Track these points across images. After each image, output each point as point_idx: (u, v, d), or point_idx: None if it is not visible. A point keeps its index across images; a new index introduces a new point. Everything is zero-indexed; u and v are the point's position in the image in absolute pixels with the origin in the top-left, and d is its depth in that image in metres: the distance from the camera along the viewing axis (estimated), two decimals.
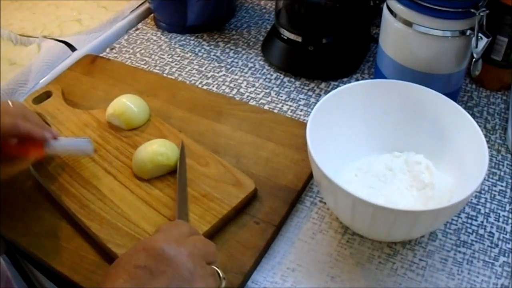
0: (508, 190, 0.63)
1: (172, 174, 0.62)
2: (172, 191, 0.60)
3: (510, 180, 0.64)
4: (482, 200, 0.62)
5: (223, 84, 0.80)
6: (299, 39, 0.79)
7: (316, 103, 0.59)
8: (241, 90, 0.78)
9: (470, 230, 0.59)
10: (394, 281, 0.54)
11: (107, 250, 0.55)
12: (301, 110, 0.75)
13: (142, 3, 0.97)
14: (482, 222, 0.60)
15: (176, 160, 0.62)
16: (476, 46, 0.62)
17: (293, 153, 0.66)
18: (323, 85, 0.79)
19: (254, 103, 0.76)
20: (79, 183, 0.61)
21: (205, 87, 0.79)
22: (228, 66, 0.83)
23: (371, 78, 0.79)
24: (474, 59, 0.64)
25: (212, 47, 0.88)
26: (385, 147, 0.62)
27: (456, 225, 0.59)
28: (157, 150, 0.61)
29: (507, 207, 0.61)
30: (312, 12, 0.80)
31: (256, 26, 0.92)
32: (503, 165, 0.66)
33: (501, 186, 0.63)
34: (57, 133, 0.62)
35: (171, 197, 0.59)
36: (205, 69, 0.83)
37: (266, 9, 0.97)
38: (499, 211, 0.61)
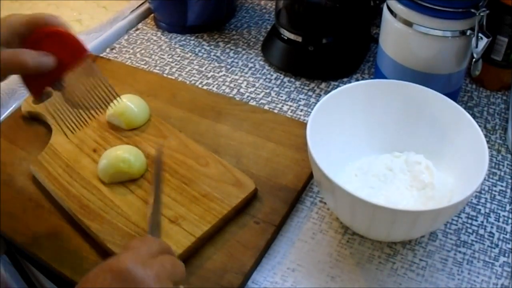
0: (508, 190, 0.63)
1: (173, 174, 0.62)
2: (172, 191, 0.60)
3: (510, 180, 0.64)
4: (482, 200, 0.62)
5: (223, 84, 0.80)
6: (299, 39, 0.79)
7: (316, 103, 0.59)
8: (241, 90, 0.78)
9: (470, 230, 0.59)
10: (394, 281, 0.54)
11: (107, 250, 0.55)
12: (301, 110, 0.75)
13: (142, 3, 0.97)
14: (482, 222, 0.60)
15: (139, 168, 0.61)
16: (476, 46, 0.62)
17: (293, 153, 0.66)
18: (323, 85, 0.79)
19: (254, 103, 0.76)
20: (79, 183, 0.61)
21: (205, 87, 0.79)
22: (228, 66, 0.83)
23: (371, 78, 0.79)
24: (474, 59, 0.64)
25: (212, 47, 0.88)
26: (385, 147, 0.62)
27: (456, 225, 0.59)
28: (120, 156, 0.61)
29: (507, 207, 0.61)
30: (312, 12, 0.80)
31: (256, 26, 0.92)
32: (503, 165, 0.66)
33: (501, 186, 0.63)
34: None
35: (172, 197, 0.59)
36: (205, 69, 0.83)
37: (266, 9, 0.97)
38: (499, 211, 0.61)
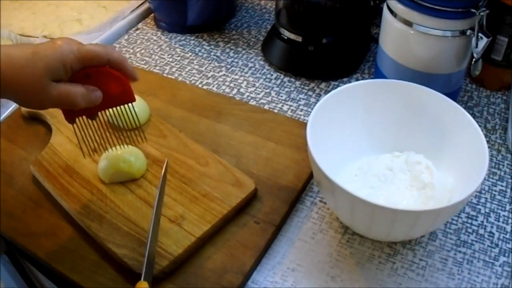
0: (508, 190, 0.63)
1: (173, 174, 0.62)
2: (172, 191, 0.60)
3: (510, 180, 0.64)
4: (482, 200, 0.62)
5: (223, 84, 0.80)
6: (299, 39, 0.79)
7: (316, 103, 0.59)
8: (241, 90, 0.78)
9: (470, 230, 0.59)
10: (394, 281, 0.54)
11: (107, 250, 0.55)
12: (301, 110, 0.75)
13: (142, 3, 0.97)
14: (482, 222, 0.60)
15: (139, 168, 0.61)
16: (476, 46, 0.62)
17: (293, 153, 0.66)
18: (323, 85, 0.79)
19: (254, 103, 0.76)
20: (79, 183, 0.61)
21: (205, 87, 0.79)
22: (228, 66, 0.83)
23: (371, 78, 0.79)
24: (474, 59, 0.64)
25: (212, 47, 0.88)
26: (385, 147, 0.62)
27: (456, 225, 0.59)
28: (120, 156, 0.61)
29: (507, 207, 0.61)
30: (312, 12, 0.80)
31: (256, 26, 0.92)
32: (503, 165, 0.66)
33: (501, 186, 0.63)
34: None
35: (172, 197, 0.59)
36: (205, 69, 0.83)
37: (266, 9, 0.97)
38: (499, 211, 0.61)
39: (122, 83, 0.53)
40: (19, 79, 0.47)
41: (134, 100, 0.55)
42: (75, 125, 0.55)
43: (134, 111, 0.56)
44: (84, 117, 0.55)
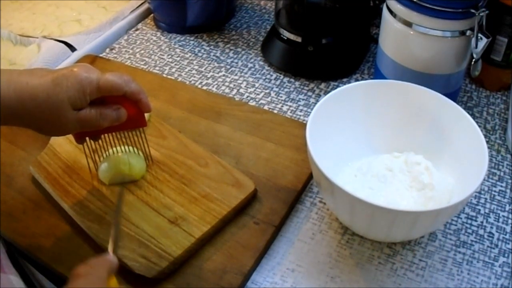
0: (508, 191, 0.63)
1: (173, 175, 0.62)
2: (172, 192, 0.60)
3: (509, 181, 0.64)
4: (482, 201, 0.62)
5: (223, 85, 0.80)
6: (298, 39, 0.79)
7: (315, 103, 0.59)
8: (241, 90, 0.78)
9: (469, 231, 0.59)
10: (394, 282, 0.54)
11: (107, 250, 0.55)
12: (301, 111, 0.75)
13: (142, 3, 0.97)
14: (482, 222, 0.60)
15: (139, 170, 0.61)
16: (476, 47, 0.62)
17: (292, 153, 0.66)
18: (322, 85, 0.79)
19: (253, 103, 0.76)
20: (79, 184, 0.61)
21: (204, 88, 0.79)
22: (228, 67, 0.83)
23: (371, 79, 0.79)
24: (473, 60, 0.64)
25: (211, 47, 0.88)
26: (385, 148, 0.62)
27: (455, 225, 0.59)
28: (121, 158, 0.61)
29: (507, 208, 0.61)
30: (311, 12, 0.79)
31: (256, 27, 0.92)
32: (502, 166, 0.66)
33: (501, 186, 0.63)
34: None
35: (171, 198, 0.59)
36: (204, 69, 0.83)
37: (266, 9, 0.97)
38: (498, 212, 0.61)
39: (135, 108, 0.55)
40: (41, 111, 0.48)
41: (145, 125, 0.57)
42: (85, 145, 0.58)
43: (144, 136, 0.60)
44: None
